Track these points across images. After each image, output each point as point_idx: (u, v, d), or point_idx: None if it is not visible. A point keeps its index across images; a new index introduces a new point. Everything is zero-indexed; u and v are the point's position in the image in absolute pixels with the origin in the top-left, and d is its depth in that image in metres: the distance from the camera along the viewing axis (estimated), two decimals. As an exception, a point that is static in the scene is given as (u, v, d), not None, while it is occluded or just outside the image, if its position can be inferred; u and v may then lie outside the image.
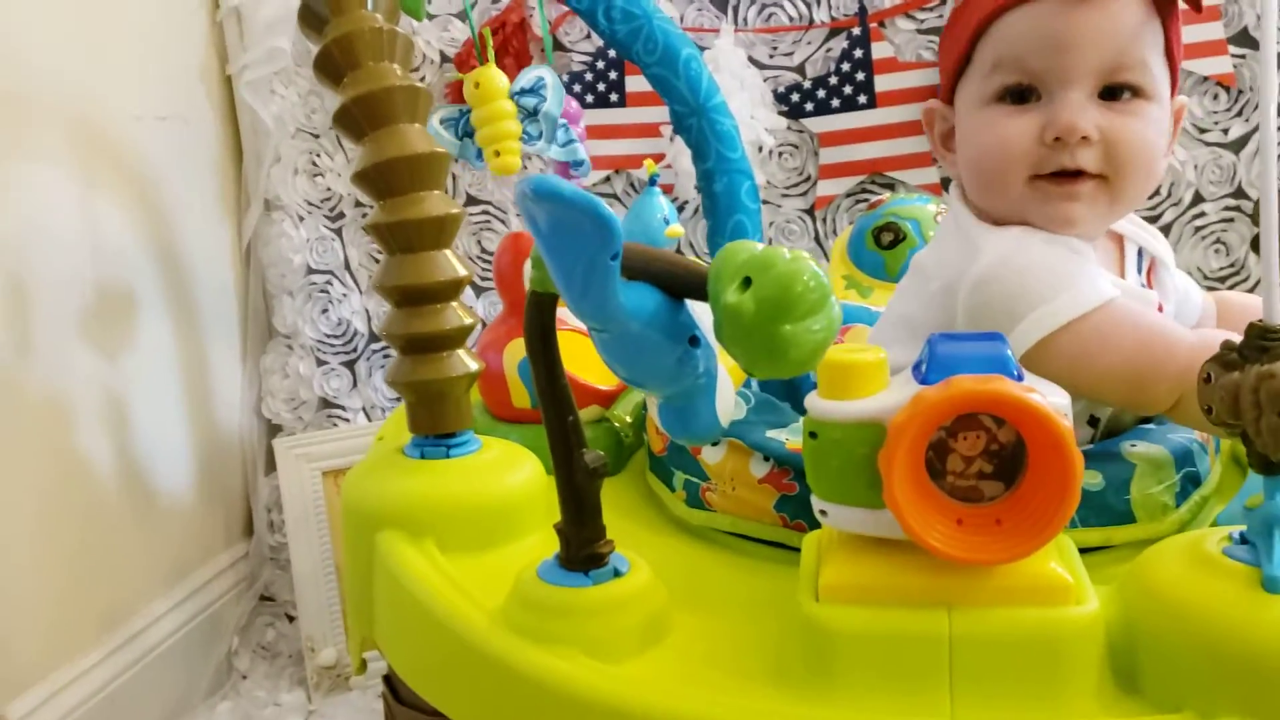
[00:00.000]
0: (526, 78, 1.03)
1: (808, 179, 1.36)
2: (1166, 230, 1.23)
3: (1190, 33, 1.19)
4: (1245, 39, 1.22)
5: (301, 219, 1.50)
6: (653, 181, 1.05)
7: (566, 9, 1.20)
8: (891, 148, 1.28)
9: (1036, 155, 0.69)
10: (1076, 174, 0.69)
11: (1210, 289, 1.23)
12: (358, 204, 1.50)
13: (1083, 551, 0.58)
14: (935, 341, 0.55)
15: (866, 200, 1.34)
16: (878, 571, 0.54)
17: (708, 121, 1.17)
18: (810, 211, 1.36)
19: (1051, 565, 0.52)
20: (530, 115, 1.03)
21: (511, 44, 1.36)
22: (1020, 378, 0.53)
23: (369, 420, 1.50)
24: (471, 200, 1.46)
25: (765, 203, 1.38)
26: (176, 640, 1.30)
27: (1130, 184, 0.71)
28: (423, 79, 1.45)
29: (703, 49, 1.33)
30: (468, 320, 0.74)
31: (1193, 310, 0.81)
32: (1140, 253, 0.77)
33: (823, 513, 0.56)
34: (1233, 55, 1.22)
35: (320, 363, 1.48)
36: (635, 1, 1.14)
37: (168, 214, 1.37)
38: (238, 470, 1.49)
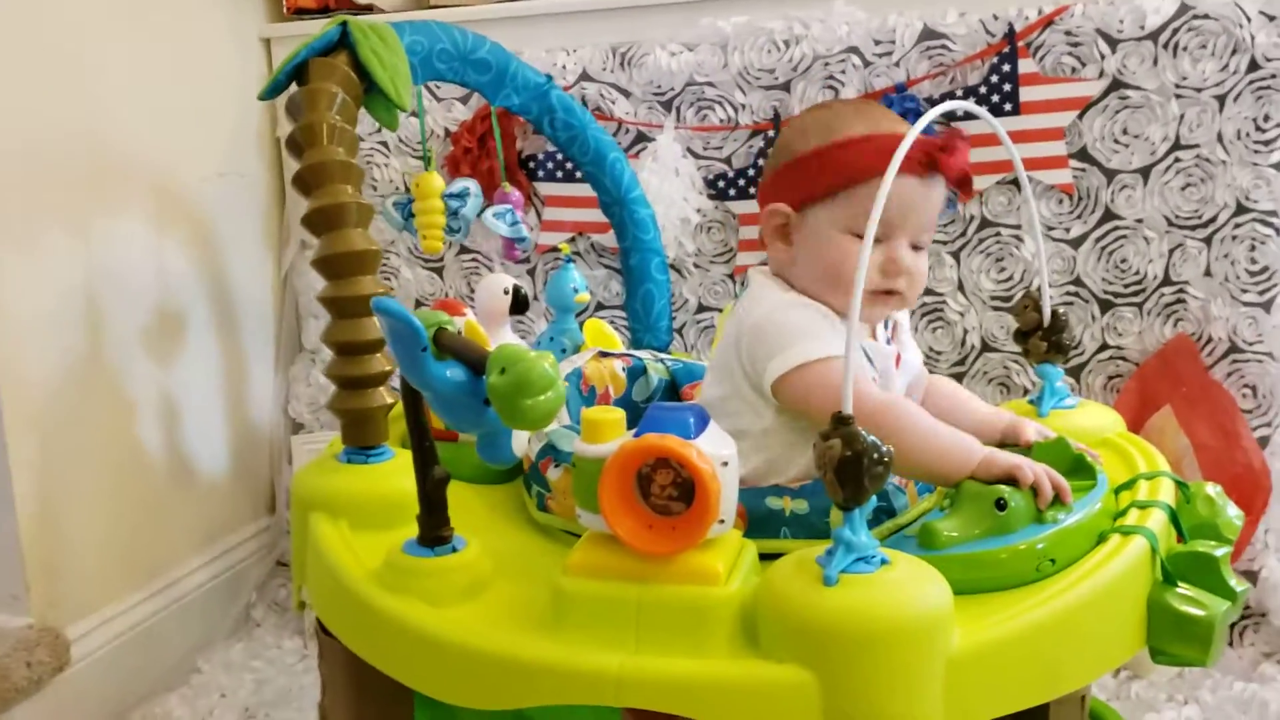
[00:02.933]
0: (456, 186, 1.38)
1: (730, 250, 1.65)
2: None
3: (1040, 149, 1.46)
4: (1084, 155, 1.47)
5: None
6: (568, 260, 1.37)
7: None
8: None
9: (875, 280, 0.97)
10: (891, 291, 0.98)
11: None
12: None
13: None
14: (650, 409, 0.84)
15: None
16: (601, 556, 0.82)
17: (627, 210, 1.48)
18: (731, 276, 1.65)
19: (708, 558, 0.80)
20: (453, 215, 1.36)
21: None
22: (691, 436, 0.81)
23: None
24: (464, 250, 1.78)
25: (697, 267, 1.67)
26: (206, 590, 1.65)
27: (913, 299, 1.02)
28: (430, 150, 1.76)
29: (650, 140, 1.63)
30: (387, 367, 1.04)
31: (917, 370, 1.08)
32: (887, 320, 1.05)
33: (578, 516, 0.85)
34: (1073, 169, 1.47)
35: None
36: (573, 114, 1.45)
37: (221, 250, 1.73)
38: (265, 458, 1.84)
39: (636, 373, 1.21)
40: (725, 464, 0.81)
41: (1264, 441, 1.43)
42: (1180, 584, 0.86)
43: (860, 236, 0.87)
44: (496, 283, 1.28)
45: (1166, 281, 1.47)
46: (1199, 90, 1.42)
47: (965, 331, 1.55)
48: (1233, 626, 1.47)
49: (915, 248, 0.99)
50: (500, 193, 1.53)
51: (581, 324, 1.37)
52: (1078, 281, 1.51)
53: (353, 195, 1.05)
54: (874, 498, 0.95)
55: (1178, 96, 1.42)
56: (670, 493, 0.81)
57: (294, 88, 1.11)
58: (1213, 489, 0.94)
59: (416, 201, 1.44)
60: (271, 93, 1.15)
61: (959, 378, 1.56)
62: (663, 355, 1.26)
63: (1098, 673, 0.84)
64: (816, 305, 0.98)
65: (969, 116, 1.47)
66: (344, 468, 1.04)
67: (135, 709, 1.48)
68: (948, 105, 0.87)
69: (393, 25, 1.21)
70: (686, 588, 0.79)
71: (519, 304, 1.28)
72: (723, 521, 0.81)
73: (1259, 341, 1.42)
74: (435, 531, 0.90)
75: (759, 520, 0.93)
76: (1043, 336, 1.14)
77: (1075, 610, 0.79)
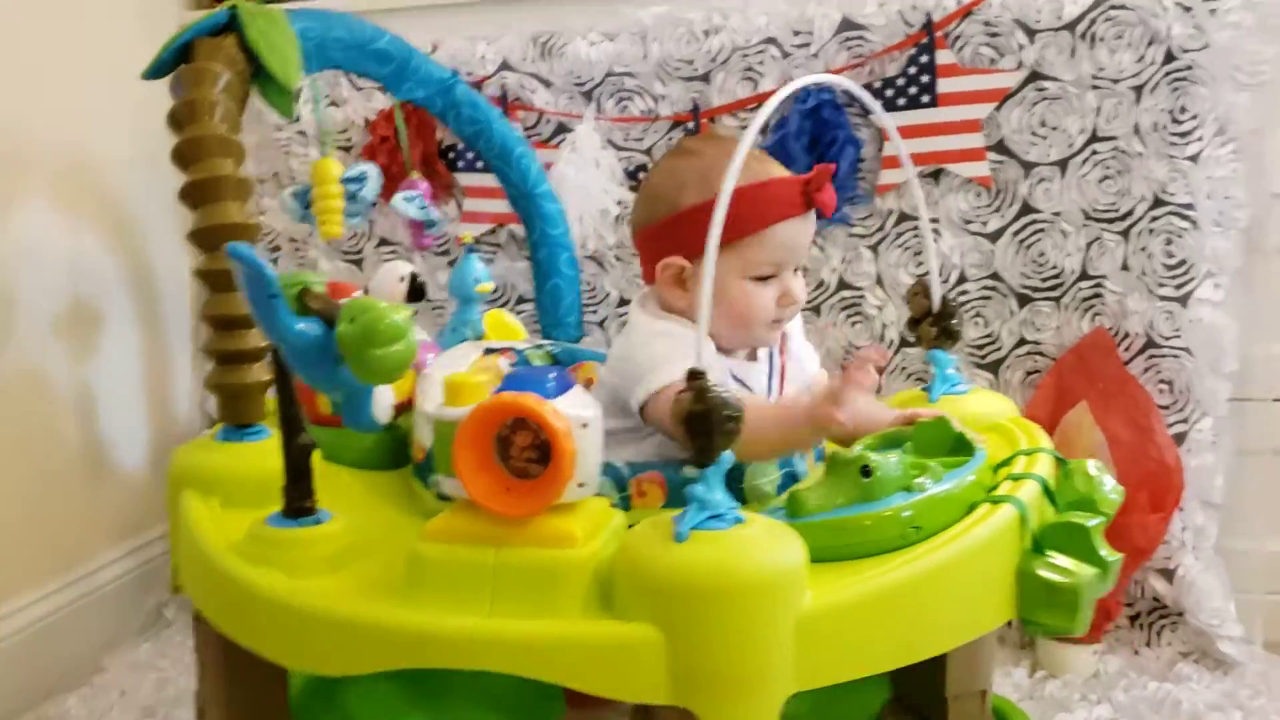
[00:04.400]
0: (353, 170, 1.36)
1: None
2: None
3: (958, 141, 1.46)
4: (1002, 148, 1.47)
5: (249, 250, 1.80)
6: (469, 249, 1.35)
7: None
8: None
9: (774, 312, 1.05)
10: (782, 319, 1.07)
11: (971, 356, 1.48)
12: (291, 239, 1.80)
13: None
14: (512, 372, 0.82)
15: (703, 263, 1.61)
16: (460, 521, 0.80)
17: (534, 204, 1.47)
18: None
19: (565, 522, 0.78)
20: (351, 199, 1.34)
21: (413, 117, 1.66)
22: (550, 397, 0.79)
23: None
24: (384, 241, 1.76)
25: (619, 259, 1.65)
26: (118, 586, 1.61)
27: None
28: (350, 138, 1.75)
29: (569, 130, 1.62)
30: (264, 342, 1.02)
31: (808, 377, 1.14)
32: None
33: (441, 483, 0.82)
34: (991, 161, 1.47)
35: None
36: (478, 108, 1.44)
37: (139, 240, 1.70)
38: (183, 453, 1.79)
39: (520, 364, 1.19)
40: (585, 425, 0.79)
41: (1181, 438, 1.41)
42: (1050, 553, 0.85)
43: (758, 279, 1.04)
44: (393, 271, 1.27)
45: (1084, 276, 1.46)
46: (1116, 81, 1.41)
47: (884, 326, 1.54)
48: (1148, 626, 1.45)
49: (796, 270, 1.08)
50: (407, 180, 1.51)
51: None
52: (996, 276, 1.50)
53: (232, 170, 1.03)
54: (777, 466, 0.97)
55: (1095, 88, 1.42)
56: (529, 454, 0.79)
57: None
58: (1093, 465, 0.93)
59: (313, 188, 1.41)
60: (155, 73, 1.13)
61: (878, 372, 1.54)
62: (543, 341, 1.24)
63: (959, 639, 0.81)
64: (682, 331, 1.03)
65: (901, 104, 1.47)
66: (219, 446, 1.01)
67: (29, 710, 1.43)
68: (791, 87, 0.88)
69: (287, 11, 1.20)
70: (542, 550, 0.77)
71: (416, 292, 1.26)
72: (583, 485, 0.79)
73: (1176, 336, 1.41)
74: (299, 502, 0.88)
75: (676, 491, 0.95)
76: (932, 323, 1.14)
77: (934, 575, 0.78)
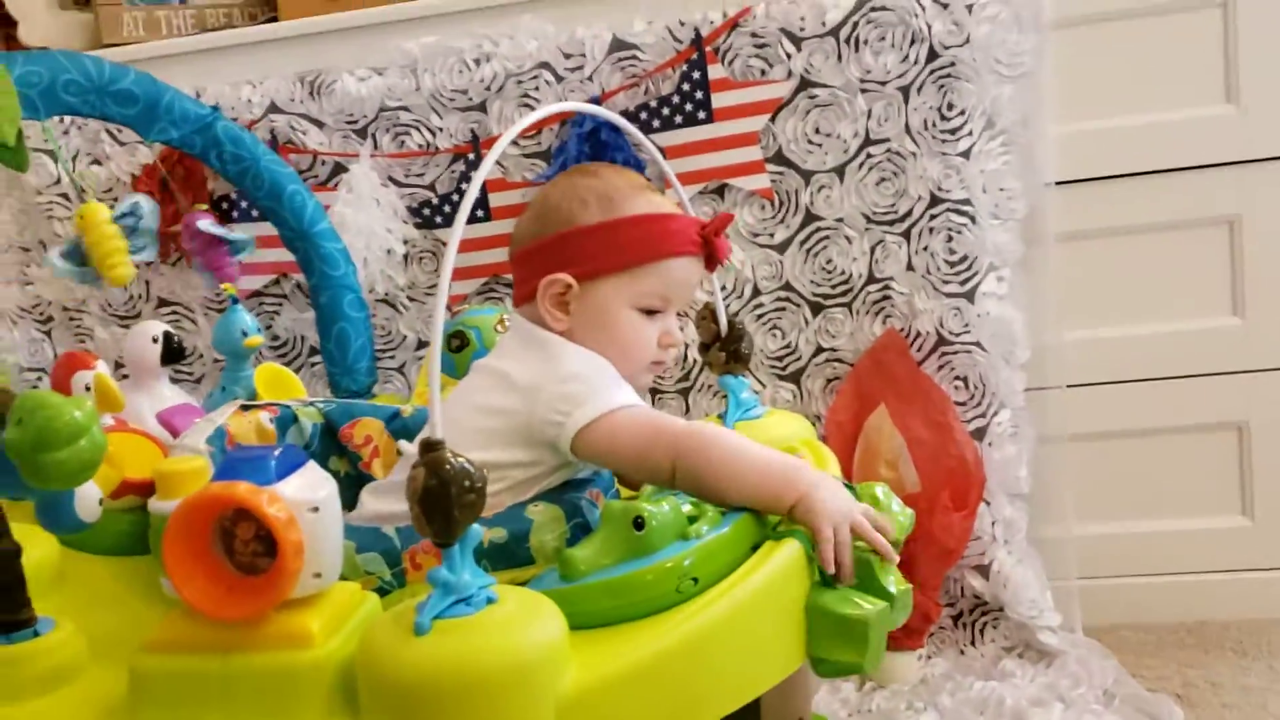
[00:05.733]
0: (123, 205, 1.25)
1: (442, 280, 1.56)
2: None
3: (737, 155, 1.43)
4: (780, 158, 1.45)
5: (15, 322, 1.66)
6: (234, 301, 1.25)
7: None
8: (506, 254, 1.49)
9: (655, 352, 1.02)
10: (661, 361, 1.04)
11: (773, 368, 1.45)
12: (65, 308, 1.67)
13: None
14: (229, 454, 0.74)
15: (495, 296, 1.55)
16: (184, 628, 0.72)
17: (312, 245, 1.38)
18: (449, 308, 1.55)
19: (301, 618, 0.71)
20: (132, 232, 1.24)
21: (179, 168, 1.55)
22: (272, 480, 0.71)
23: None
24: (163, 302, 1.64)
25: (412, 300, 1.57)
26: None
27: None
28: (115, 198, 1.63)
29: (345, 170, 1.54)
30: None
31: None
32: None
33: (164, 583, 0.74)
34: (771, 173, 1.44)
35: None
36: (243, 146, 1.35)
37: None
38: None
39: (286, 422, 1.10)
40: (316, 510, 0.71)
41: (981, 432, 1.41)
42: (839, 587, 0.81)
43: (646, 313, 1.01)
44: (144, 332, 1.17)
45: (871, 279, 1.45)
46: (883, 84, 1.40)
47: (685, 345, 1.50)
48: (971, 625, 1.45)
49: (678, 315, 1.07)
50: (191, 213, 1.41)
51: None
52: (788, 286, 1.47)
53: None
54: (564, 518, 0.91)
55: (864, 91, 1.41)
56: (255, 548, 0.71)
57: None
58: (880, 489, 0.90)
59: (85, 237, 1.29)
60: None
61: (684, 394, 1.51)
62: (315, 400, 1.15)
63: (753, 692, 0.77)
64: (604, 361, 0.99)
65: (679, 122, 1.44)
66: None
67: None
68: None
69: (3, 57, 1.09)
70: (273, 654, 0.70)
71: (172, 353, 1.16)
72: (319, 575, 0.72)
73: (966, 332, 1.41)
74: (8, 615, 0.78)
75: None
76: (721, 347, 1.12)
77: (713, 630, 0.74)
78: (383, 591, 0.86)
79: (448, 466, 0.66)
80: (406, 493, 0.68)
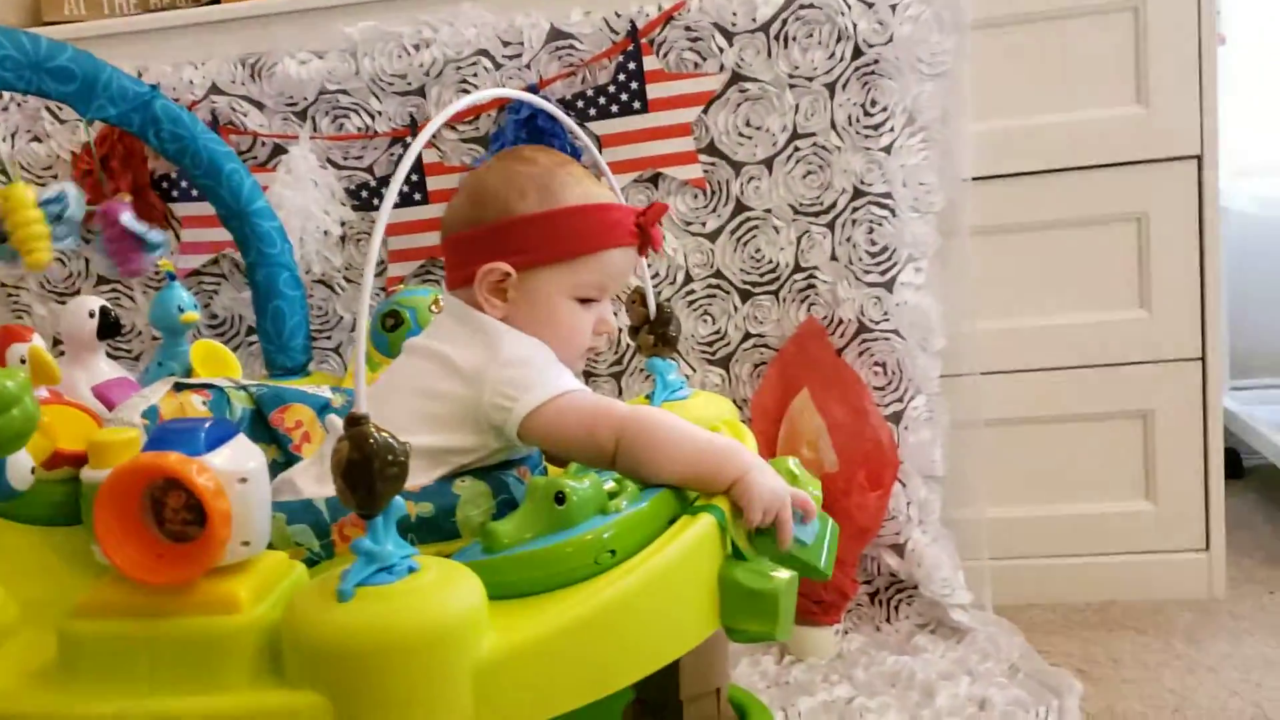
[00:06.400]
0: (49, 191, 1.26)
1: (382, 262, 1.58)
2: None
3: (670, 145, 1.47)
4: (713, 149, 1.49)
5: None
6: (171, 277, 1.27)
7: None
8: (441, 237, 1.52)
9: (590, 339, 1.04)
10: (594, 346, 1.05)
11: (703, 353, 1.49)
12: (3, 285, 1.67)
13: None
14: (158, 426, 0.76)
15: (432, 279, 1.58)
16: (114, 593, 0.74)
17: (249, 223, 1.39)
18: (385, 289, 1.58)
19: (228, 585, 0.73)
20: (56, 219, 1.25)
21: (119, 147, 1.56)
22: (201, 451, 0.74)
23: None
24: (102, 280, 1.65)
25: (349, 281, 1.60)
26: None
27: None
28: (55, 175, 1.63)
29: (284, 151, 1.56)
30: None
31: None
32: None
33: (95, 550, 0.76)
34: (703, 163, 1.49)
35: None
36: (180, 124, 1.35)
37: None
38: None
39: (219, 405, 1.12)
40: (245, 480, 0.74)
41: (898, 416, 1.47)
42: (750, 559, 0.86)
43: (583, 302, 1.03)
44: (81, 305, 1.18)
45: (798, 268, 1.50)
46: (810, 79, 1.45)
47: (620, 330, 1.54)
48: (887, 602, 1.51)
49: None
50: (108, 202, 1.41)
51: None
52: (718, 274, 1.52)
53: None
54: (490, 494, 0.94)
55: (792, 86, 1.46)
56: (185, 516, 0.74)
57: None
58: (793, 463, 0.95)
59: (6, 220, 1.30)
60: None
61: (616, 377, 1.55)
62: (248, 383, 1.17)
63: (665, 658, 0.81)
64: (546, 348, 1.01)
65: (615, 112, 1.47)
66: None
67: None
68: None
69: (-64, 32, 1.09)
70: (201, 619, 0.72)
71: (108, 327, 1.18)
72: (248, 543, 0.74)
73: (885, 320, 1.46)
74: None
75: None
76: (650, 330, 1.15)
77: (627, 599, 0.77)
78: (311, 562, 0.89)
79: (371, 441, 0.69)
80: (330, 465, 0.71)
